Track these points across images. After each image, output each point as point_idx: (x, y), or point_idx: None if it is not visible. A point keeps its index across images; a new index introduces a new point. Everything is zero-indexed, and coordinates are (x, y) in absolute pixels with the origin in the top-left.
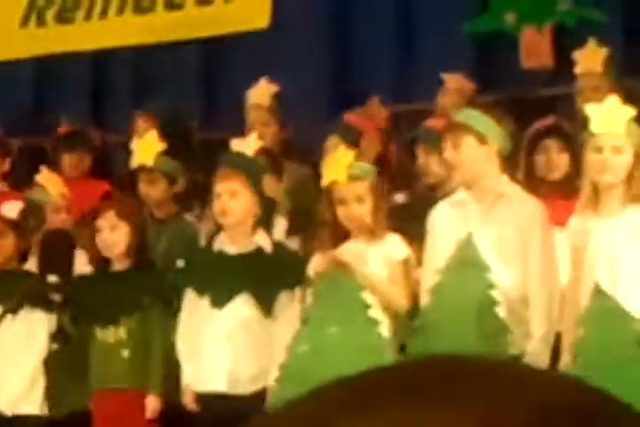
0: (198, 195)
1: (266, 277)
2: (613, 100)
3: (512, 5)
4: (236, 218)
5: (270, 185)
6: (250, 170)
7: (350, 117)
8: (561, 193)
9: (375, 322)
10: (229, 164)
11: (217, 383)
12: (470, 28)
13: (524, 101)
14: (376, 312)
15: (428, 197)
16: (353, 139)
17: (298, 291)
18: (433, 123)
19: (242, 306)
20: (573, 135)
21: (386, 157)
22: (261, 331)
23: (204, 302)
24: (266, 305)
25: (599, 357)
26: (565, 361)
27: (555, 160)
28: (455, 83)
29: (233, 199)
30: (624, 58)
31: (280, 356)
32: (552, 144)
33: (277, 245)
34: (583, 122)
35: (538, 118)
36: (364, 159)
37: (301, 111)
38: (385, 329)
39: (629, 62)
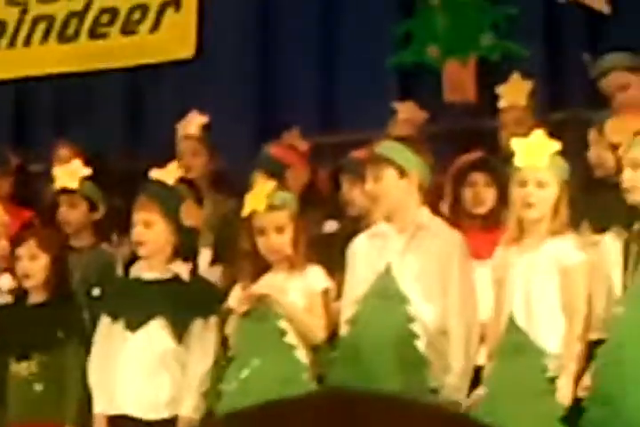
0: (117, 222)
1: (181, 304)
2: (538, 135)
3: (435, 39)
4: (149, 248)
5: (192, 214)
6: (165, 199)
7: (273, 150)
8: (486, 227)
9: (292, 347)
10: (146, 193)
11: (129, 408)
12: (394, 60)
13: (449, 134)
14: (292, 338)
15: (352, 227)
16: (278, 171)
17: (213, 320)
18: (359, 154)
19: (156, 330)
20: (500, 169)
21: (314, 186)
22: (174, 357)
23: (119, 326)
24: (179, 331)
25: (508, 390)
26: (480, 394)
27: (481, 194)
28: (407, 112)
29: (148, 229)
30: (547, 91)
31: (193, 384)
32: (479, 178)
33: (194, 274)
34: (508, 156)
35: (462, 151)
36: (291, 190)
37: (228, 142)
38: (302, 355)
39: (553, 96)
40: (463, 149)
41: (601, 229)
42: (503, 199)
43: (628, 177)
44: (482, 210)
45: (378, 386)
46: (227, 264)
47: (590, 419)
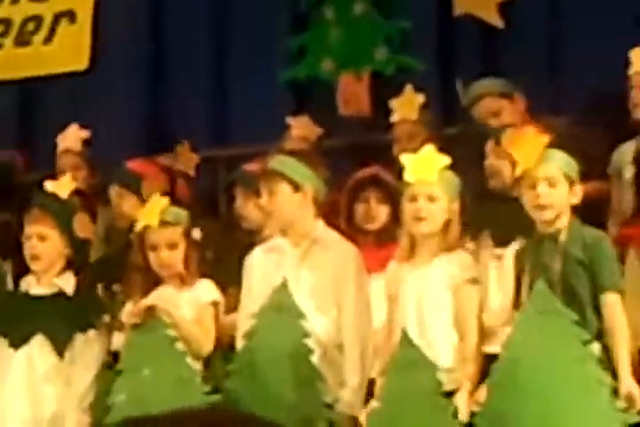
0: (10, 236)
1: (62, 319)
2: (428, 150)
3: (329, 53)
4: (45, 262)
5: (84, 226)
6: (58, 212)
7: (130, 164)
8: (379, 242)
9: (183, 354)
10: (39, 206)
11: (12, 426)
12: (288, 74)
13: (344, 148)
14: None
15: (247, 240)
16: (133, 183)
17: (93, 334)
18: (252, 167)
19: (37, 347)
20: (393, 186)
21: (173, 197)
22: (57, 373)
23: (4, 343)
24: (60, 347)
25: (402, 405)
26: (374, 406)
27: (374, 210)
28: (301, 127)
29: (42, 243)
30: (441, 105)
31: (75, 398)
32: (372, 194)
33: (79, 288)
34: (399, 170)
35: (358, 165)
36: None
37: (118, 156)
38: (193, 361)
39: (446, 110)
40: (359, 163)
41: (503, 242)
42: (396, 215)
43: (545, 193)
44: (374, 226)
45: (273, 400)
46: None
47: None
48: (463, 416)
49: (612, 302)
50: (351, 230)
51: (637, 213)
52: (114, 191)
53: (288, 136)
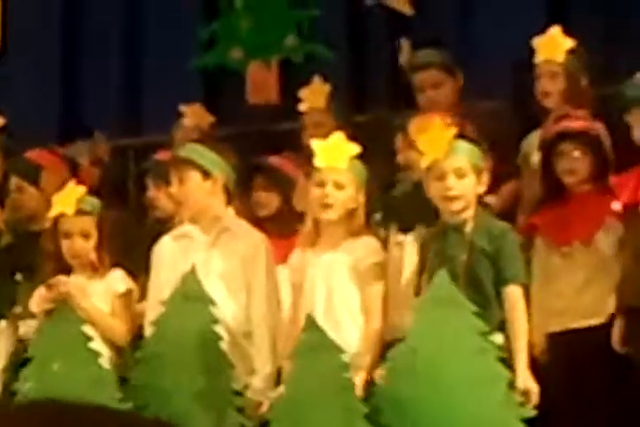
0: None
1: None
2: (338, 137)
3: (239, 41)
4: None
5: None
6: None
7: (29, 154)
8: (273, 231)
9: (96, 354)
10: None
11: None
12: (197, 62)
13: (253, 136)
14: (97, 344)
15: (158, 229)
16: (32, 173)
17: (3, 323)
18: (162, 156)
19: None
20: (280, 172)
21: None
22: None
23: None
24: None
25: (309, 389)
26: (281, 392)
27: (262, 198)
28: (193, 115)
29: None
30: (351, 93)
31: None
32: (260, 182)
33: None
34: (309, 157)
35: (268, 153)
36: (45, 193)
37: (30, 145)
38: (106, 360)
39: (356, 98)
40: (269, 151)
41: (407, 229)
42: (287, 204)
43: (454, 185)
44: (264, 213)
45: (182, 388)
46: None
47: (382, 420)
48: (359, 391)
49: (513, 295)
50: (246, 218)
51: (544, 201)
52: (13, 182)
53: (180, 125)
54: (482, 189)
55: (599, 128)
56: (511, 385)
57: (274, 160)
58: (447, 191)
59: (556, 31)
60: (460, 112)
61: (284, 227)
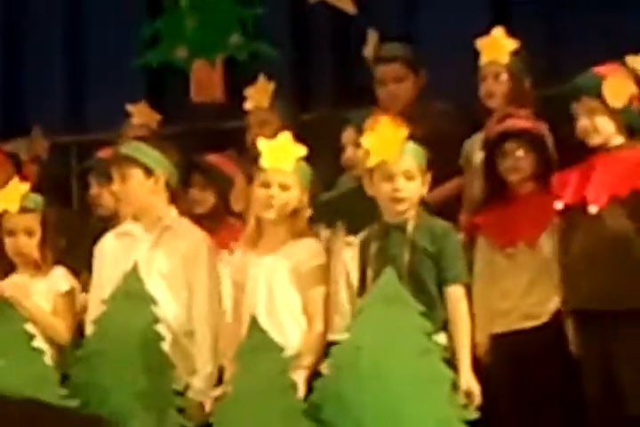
0: None
1: None
2: (285, 137)
3: (183, 39)
4: None
5: None
6: None
7: None
8: (208, 229)
9: (40, 352)
10: None
11: None
12: (141, 61)
13: (197, 134)
14: (40, 342)
15: (101, 227)
16: None
17: None
18: (105, 154)
19: None
20: (218, 171)
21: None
22: None
23: None
24: None
25: (251, 389)
26: (222, 391)
27: (197, 195)
28: (139, 114)
29: None
30: (296, 91)
31: None
32: (196, 180)
33: None
34: (255, 157)
35: (212, 152)
36: None
37: None
38: (49, 358)
39: (302, 96)
40: (214, 150)
41: (355, 230)
42: (224, 200)
43: (403, 187)
44: (200, 210)
45: (123, 387)
46: None
47: (324, 417)
48: (301, 393)
49: (455, 295)
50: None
51: (487, 201)
52: None
53: (128, 123)
54: (425, 189)
55: (542, 127)
56: (455, 386)
57: (212, 158)
58: (395, 193)
59: (499, 32)
60: (416, 110)
61: (217, 225)
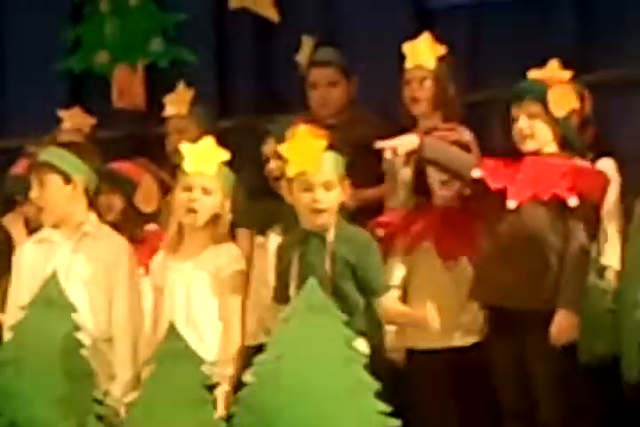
0: None
1: None
2: (208, 142)
3: (104, 45)
4: None
5: None
6: None
7: None
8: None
9: None
10: None
11: None
12: (62, 66)
13: (119, 140)
14: None
15: None
16: None
17: None
18: (19, 168)
19: None
20: (121, 175)
21: None
22: None
23: None
24: None
25: (166, 396)
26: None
27: (108, 201)
28: (73, 119)
29: None
30: (217, 98)
31: None
32: (103, 186)
33: None
34: (176, 164)
35: (132, 157)
36: None
37: None
38: None
39: (222, 102)
40: (133, 155)
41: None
42: (131, 205)
43: (323, 198)
44: (110, 217)
45: (42, 395)
46: None
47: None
48: (221, 411)
49: (380, 304)
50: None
51: (417, 211)
52: None
53: (60, 128)
54: (344, 197)
55: (468, 139)
56: (377, 394)
57: (115, 165)
58: (314, 204)
59: (426, 38)
60: (347, 115)
61: (132, 229)
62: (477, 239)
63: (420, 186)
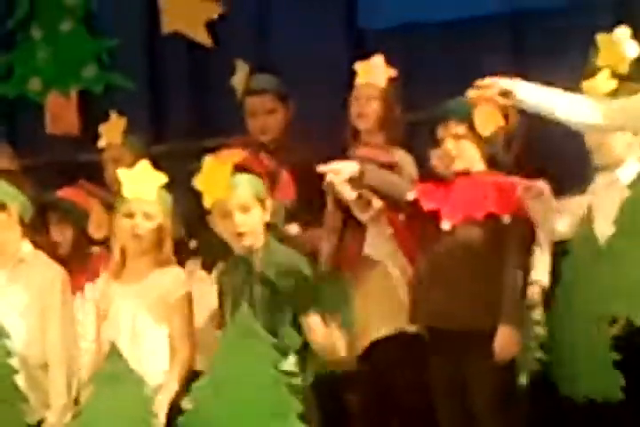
0: None
1: None
2: (144, 166)
3: (37, 71)
4: None
5: None
6: None
7: None
8: (77, 267)
9: None
10: None
11: None
12: None
13: (53, 167)
14: None
15: None
16: None
17: None
18: None
19: None
20: (69, 205)
21: None
22: None
23: None
24: None
25: (107, 419)
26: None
27: (56, 233)
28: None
29: None
30: (152, 123)
31: None
32: (52, 217)
33: None
34: (115, 191)
35: (68, 184)
36: None
37: None
38: None
39: (156, 127)
40: (69, 183)
41: (210, 264)
42: (83, 235)
43: (241, 221)
44: (63, 249)
45: None
46: None
47: None
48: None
49: (309, 325)
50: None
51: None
52: None
53: None
54: (268, 217)
55: (397, 161)
56: (301, 416)
57: (62, 193)
58: (236, 228)
59: (379, 58)
60: (286, 139)
61: (81, 258)
62: None
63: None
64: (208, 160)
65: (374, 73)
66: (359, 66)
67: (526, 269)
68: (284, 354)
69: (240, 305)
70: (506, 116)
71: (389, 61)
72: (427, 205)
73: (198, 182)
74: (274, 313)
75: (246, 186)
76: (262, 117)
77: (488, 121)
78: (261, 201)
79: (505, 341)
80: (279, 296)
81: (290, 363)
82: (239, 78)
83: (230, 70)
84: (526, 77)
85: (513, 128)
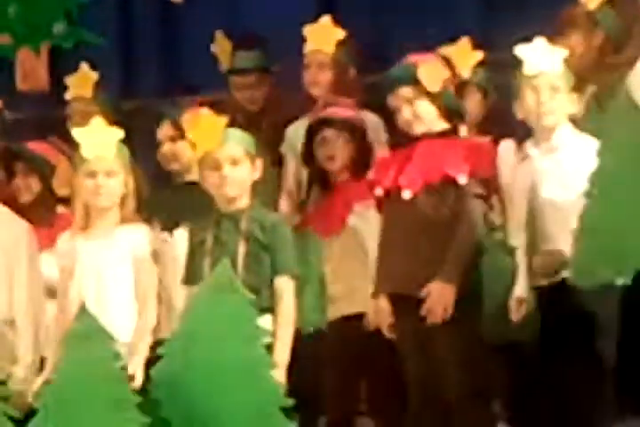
0: None
1: None
2: (98, 123)
3: (7, 27)
4: None
5: None
6: None
7: None
8: (35, 217)
9: None
10: None
11: None
12: None
13: (24, 123)
14: None
15: None
16: None
17: None
18: None
19: None
20: (41, 158)
21: None
22: None
23: None
24: None
25: (78, 377)
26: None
27: (23, 183)
28: None
29: None
30: (119, 80)
31: None
32: (19, 168)
33: None
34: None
35: (39, 140)
36: None
37: None
38: None
39: (124, 85)
40: (39, 138)
41: (171, 226)
42: (48, 187)
43: (230, 173)
44: (26, 198)
45: None
46: None
47: (153, 399)
48: (138, 385)
49: (281, 287)
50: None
51: (308, 189)
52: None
53: None
54: (256, 175)
55: (363, 117)
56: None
57: (32, 145)
58: (223, 180)
59: (326, 21)
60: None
61: (46, 212)
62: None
63: (309, 161)
64: (203, 112)
65: (322, 38)
66: (307, 30)
67: (476, 228)
68: (262, 312)
69: (219, 261)
70: (448, 65)
71: (355, 23)
72: (386, 184)
73: (191, 133)
74: (257, 271)
75: (239, 140)
76: (248, 92)
77: (434, 76)
78: (252, 158)
79: (435, 296)
80: (263, 253)
81: (266, 321)
82: (221, 54)
83: (201, 29)
84: (495, 35)
85: (459, 73)
